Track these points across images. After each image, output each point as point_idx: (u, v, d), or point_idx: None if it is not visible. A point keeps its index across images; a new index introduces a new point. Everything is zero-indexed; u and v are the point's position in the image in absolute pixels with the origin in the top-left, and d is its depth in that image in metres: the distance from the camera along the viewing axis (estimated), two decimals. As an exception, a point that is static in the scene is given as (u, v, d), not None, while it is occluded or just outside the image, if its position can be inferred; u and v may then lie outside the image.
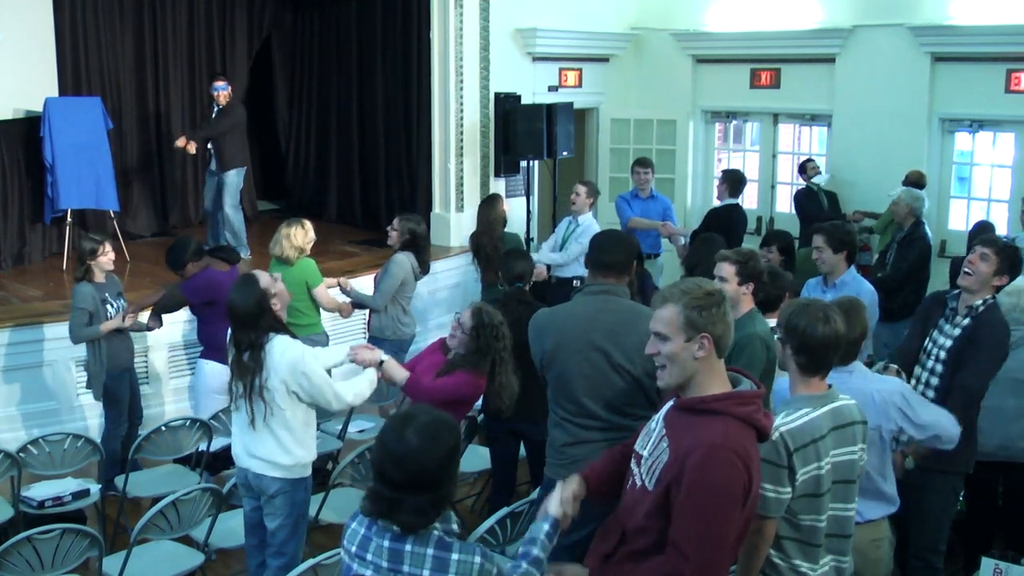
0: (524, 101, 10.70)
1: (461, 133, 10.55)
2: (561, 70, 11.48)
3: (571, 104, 10.54)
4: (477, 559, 2.86)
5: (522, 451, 5.84)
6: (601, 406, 4.13)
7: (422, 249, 7.40)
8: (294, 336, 4.72)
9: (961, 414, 4.44)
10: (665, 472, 2.98)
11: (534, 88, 11.12)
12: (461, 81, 10.45)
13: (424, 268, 7.49)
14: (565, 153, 10.35)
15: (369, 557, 2.91)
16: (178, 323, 7.85)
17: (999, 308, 4.88)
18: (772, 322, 4.25)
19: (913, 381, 4.91)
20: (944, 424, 4.19)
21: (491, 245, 8.35)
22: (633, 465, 3.19)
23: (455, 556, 2.84)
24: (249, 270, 4.97)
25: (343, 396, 4.76)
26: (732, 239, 7.74)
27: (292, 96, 13.07)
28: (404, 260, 7.26)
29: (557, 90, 11.35)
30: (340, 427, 6.63)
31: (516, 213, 10.27)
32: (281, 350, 4.55)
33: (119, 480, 5.99)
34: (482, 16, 10.45)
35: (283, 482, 4.69)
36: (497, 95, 10.67)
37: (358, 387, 4.88)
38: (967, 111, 9.84)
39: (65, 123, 9.38)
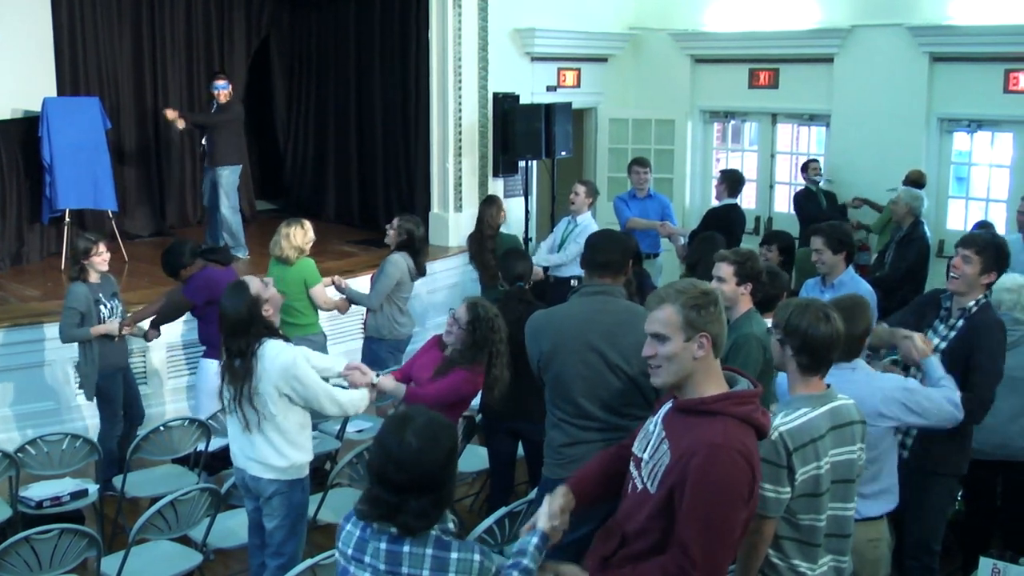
0: (522, 101, 10.70)
1: (459, 133, 10.55)
2: (559, 70, 11.49)
3: (569, 104, 10.54)
4: (476, 557, 2.86)
5: (520, 451, 5.83)
6: (598, 407, 4.13)
7: (419, 251, 7.39)
8: (287, 339, 4.70)
9: (979, 416, 4.56)
10: (667, 474, 2.98)
11: (532, 88, 11.12)
12: (459, 81, 10.45)
13: (420, 271, 7.49)
14: (563, 153, 10.36)
15: (367, 559, 2.90)
16: (176, 323, 7.84)
17: (992, 308, 4.88)
18: (769, 322, 4.25)
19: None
20: (944, 409, 4.20)
21: (489, 246, 8.38)
22: (632, 468, 3.19)
23: (454, 555, 2.83)
24: (248, 271, 4.97)
25: (338, 399, 4.74)
26: (731, 239, 7.74)
27: (290, 96, 13.07)
28: (400, 260, 7.26)
29: (555, 90, 11.35)
30: (338, 427, 6.62)
31: (515, 213, 10.28)
32: (273, 355, 4.53)
33: (117, 480, 5.99)
34: (480, 16, 10.45)
35: (279, 483, 4.69)
36: (495, 95, 10.68)
37: (354, 396, 4.88)
38: (965, 111, 9.84)
39: (63, 123, 9.39)
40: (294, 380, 4.54)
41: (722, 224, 8.22)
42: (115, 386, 6.72)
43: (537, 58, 11.16)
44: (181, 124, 9.92)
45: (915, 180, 9.22)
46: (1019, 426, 5.16)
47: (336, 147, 12.55)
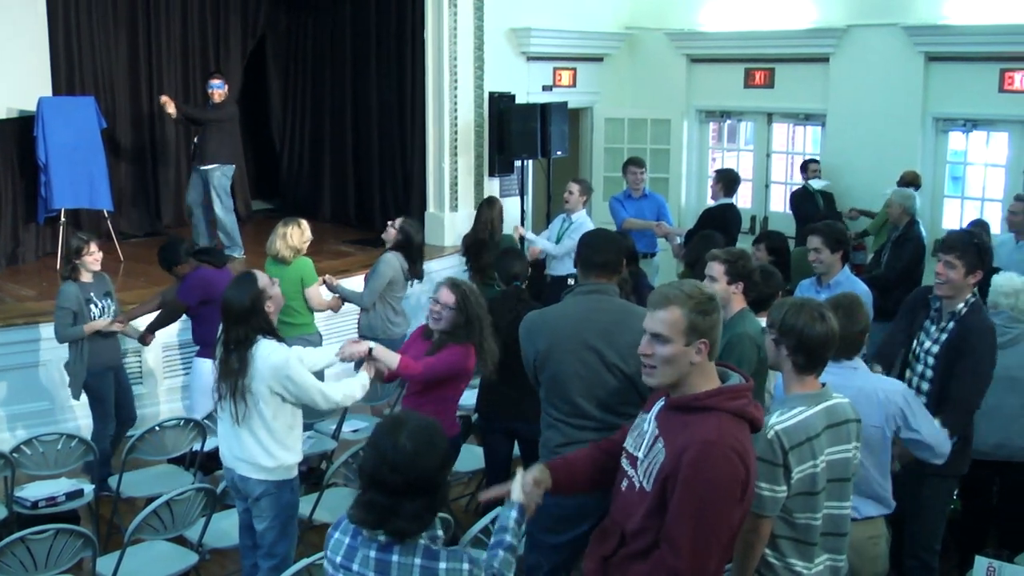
0: (518, 101, 10.71)
1: (455, 133, 10.55)
2: (555, 69, 11.49)
3: (565, 104, 10.55)
4: (465, 566, 2.84)
5: (516, 450, 5.83)
6: (595, 406, 4.13)
7: (414, 255, 7.36)
8: (281, 339, 4.69)
9: (959, 427, 4.52)
10: (662, 471, 2.98)
11: (528, 88, 11.12)
12: (455, 80, 10.45)
13: (417, 276, 7.49)
14: (559, 153, 10.35)
15: (355, 568, 2.88)
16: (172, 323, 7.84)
17: (982, 309, 4.87)
18: (764, 321, 4.25)
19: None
20: (940, 439, 4.21)
21: (486, 245, 8.39)
22: (628, 467, 3.19)
23: (443, 565, 2.82)
24: (243, 270, 4.96)
25: (331, 396, 4.74)
26: (727, 238, 7.74)
27: (286, 96, 13.05)
28: (393, 259, 7.25)
29: (551, 90, 11.36)
30: (334, 427, 6.62)
31: (510, 213, 10.27)
32: (265, 355, 4.53)
33: (113, 480, 5.98)
34: (476, 16, 10.46)
35: (267, 484, 4.68)
36: (491, 95, 10.68)
37: (349, 388, 4.86)
38: (961, 111, 9.85)
39: (58, 123, 9.37)
40: (286, 380, 4.54)
41: (718, 224, 8.22)
42: (106, 385, 6.70)
43: (533, 58, 11.16)
44: (172, 110, 9.76)
45: (910, 181, 9.24)
46: (1019, 426, 5.17)
47: (332, 147, 12.54)
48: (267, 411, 4.57)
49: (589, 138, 12.07)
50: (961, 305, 4.79)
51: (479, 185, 10.71)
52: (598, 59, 11.94)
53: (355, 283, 8.01)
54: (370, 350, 4.87)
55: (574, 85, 11.68)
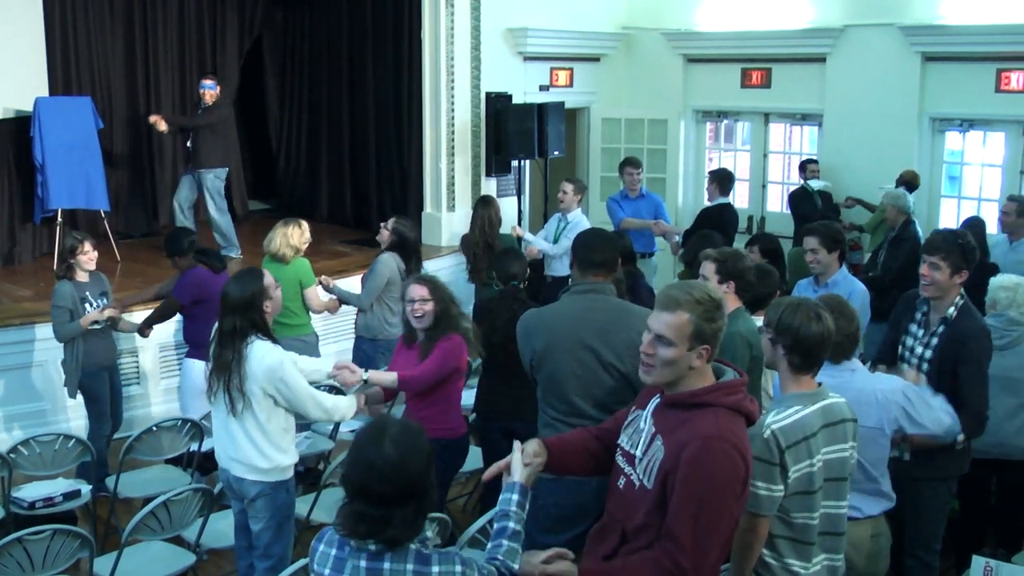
0: (515, 101, 10.72)
1: (452, 133, 10.55)
2: (552, 69, 11.49)
3: (562, 104, 10.55)
4: (458, 568, 2.80)
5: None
6: (591, 405, 4.13)
7: (409, 254, 7.35)
8: (276, 341, 4.69)
9: (978, 431, 4.61)
10: (662, 468, 2.98)
11: (525, 88, 11.12)
12: (452, 81, 10.45)
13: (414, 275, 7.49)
14: (556, 153, 10.36)
15: None
16: (168, 324, 7.80)
17: (972, 311, 4.85)
18: (760, 321, 4.25)
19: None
20: (944, 424, 4.21)
21: (483, 245, 8.38)
22: (625, 464, 3.18)
23: (435, 568, 2.77)
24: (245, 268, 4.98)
25: (323, 404, 4.73)
26: (724, 238, 7.74)
27: (283, 95, 13.04)
28: (389, 260, 7.25)
29: (548, 89, 11.36)
30: (331, 427, 6.61)
31: (507, 213, 10.27)
32: (259, 356, 4.53)
33: (110, 481, 5.97)
34: (473, 16, 10.46)
35: (263, 485, 4.67)
36: (488, 95, 10.69)
37: (340, 402, 4.87)
38: (957, 110, 9.87)
39: (55, 123, 9.35)
40: (279, 382, 4.54)
41: (715, 223, 8.23)
42: (100, 385, 6.70)
43: (530, 58, 11.16)
44: (163, 127, 9.84)
45: (908, 181, 9.25)
46: (1015, 425, 5.17)
47: (329, 147, 12.53)
48: (261, 414, 4.57)
49: (586, 138, 12.07)
50: (952, 309, 4.76)
51: (476, 185, 10.71)
52: (595, 59, 11.94)
53: (352, 284, 8.01)
54: (365, 381, 4.91)
55: (571, 85, 11.68)
